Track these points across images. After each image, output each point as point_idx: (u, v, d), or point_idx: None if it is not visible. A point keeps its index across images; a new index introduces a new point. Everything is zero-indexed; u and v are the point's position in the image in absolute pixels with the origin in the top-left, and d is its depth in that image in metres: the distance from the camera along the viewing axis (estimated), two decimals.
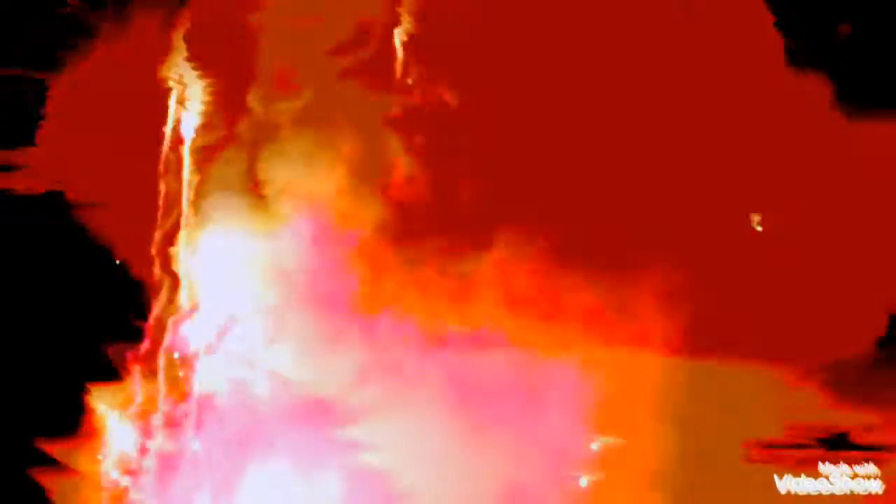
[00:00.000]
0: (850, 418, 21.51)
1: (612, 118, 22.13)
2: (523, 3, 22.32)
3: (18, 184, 22.14)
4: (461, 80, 22.30)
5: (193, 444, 21.66)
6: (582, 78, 22.25)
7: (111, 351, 21.92)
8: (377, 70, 22.19)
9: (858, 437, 21.55)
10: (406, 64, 22.45)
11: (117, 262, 21.95)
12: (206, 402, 21.82)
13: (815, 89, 21.95)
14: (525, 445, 21.46)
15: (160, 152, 22.24)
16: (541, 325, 21.72)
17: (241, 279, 21.93)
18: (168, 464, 21.74)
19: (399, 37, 22.55)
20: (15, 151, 22.17)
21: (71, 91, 22.11)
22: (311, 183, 21.94)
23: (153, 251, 22.00)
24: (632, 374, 21.64)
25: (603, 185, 22.25)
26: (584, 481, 21.68)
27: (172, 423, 21.79)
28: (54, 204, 22.13)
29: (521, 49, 22.29)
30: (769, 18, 22.15)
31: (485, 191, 22.16)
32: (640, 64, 22.09)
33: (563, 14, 22.38)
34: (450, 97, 22.27)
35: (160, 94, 22.06)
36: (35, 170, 22.25)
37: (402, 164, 22.20)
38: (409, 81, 22.45)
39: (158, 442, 21.74)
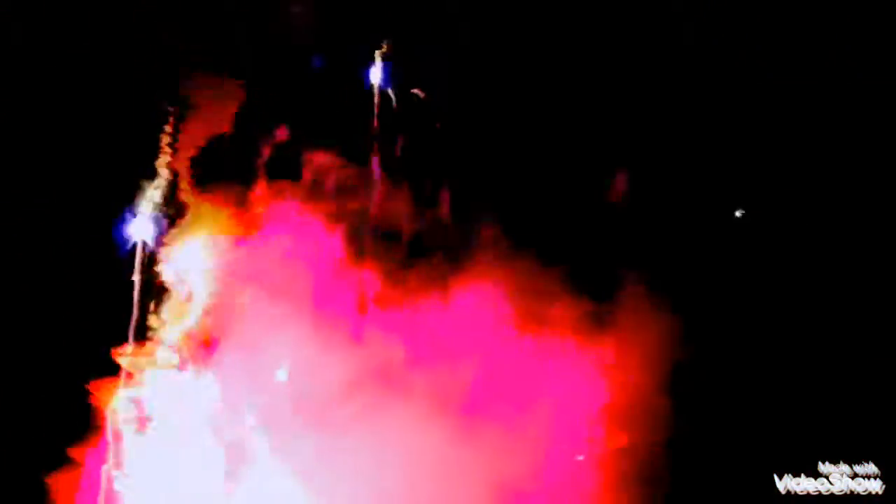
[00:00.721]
0: None
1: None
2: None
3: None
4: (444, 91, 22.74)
5: (184, 444, 21.93)
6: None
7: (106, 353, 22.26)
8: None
9: None
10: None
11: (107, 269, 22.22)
12: (197, 405, 22.11)
13: None
14: (513, 446, 21.58)
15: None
16: (525, 332, 21.99)
17: (228, 285, 22.17)
18: (161, 462, 22.00)
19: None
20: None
21: None
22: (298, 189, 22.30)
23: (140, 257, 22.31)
24: (616, 376, 21.96)
25: (586, 198, 22.68)
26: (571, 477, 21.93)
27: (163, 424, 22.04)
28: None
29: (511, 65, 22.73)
30: None
31: (471, 202, 22.61)
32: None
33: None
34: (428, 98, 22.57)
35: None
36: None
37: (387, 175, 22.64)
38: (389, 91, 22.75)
39: (153, 441, 22.06)
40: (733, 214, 23.27)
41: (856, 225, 22.67)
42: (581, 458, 22.12)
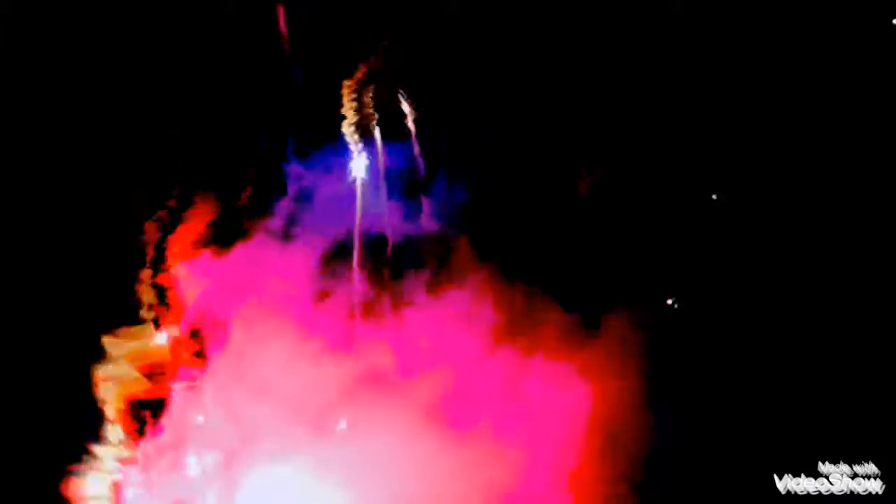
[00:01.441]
0: None
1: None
2: None
3: None
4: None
5: (181, 449, 21.94)
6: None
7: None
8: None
9: None
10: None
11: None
12: (192, 409, 22.12)
13: None
14: (505, 451, 21.65)
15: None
16: (517, 343, 22.09)
17: (224, 291, 22.25)
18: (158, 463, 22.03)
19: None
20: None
21: None
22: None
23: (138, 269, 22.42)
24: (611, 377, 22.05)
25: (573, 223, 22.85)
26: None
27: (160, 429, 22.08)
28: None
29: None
30: None
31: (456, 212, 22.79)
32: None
33: None
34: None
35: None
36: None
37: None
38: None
39: (150, 444, 22.06)
40: (718, 205, 23.24)
41: (854, 223, 22.64)
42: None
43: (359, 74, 22.37)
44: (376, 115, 22.65)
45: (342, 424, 21.87)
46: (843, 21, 22.58)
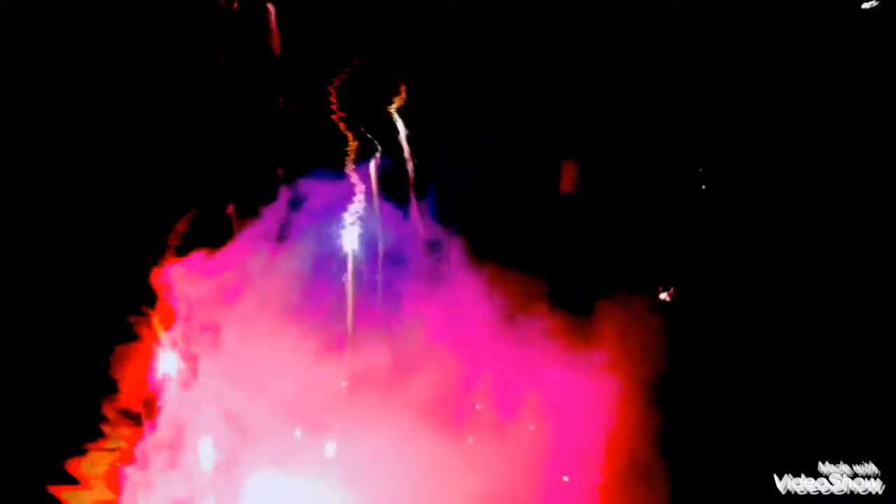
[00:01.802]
0: None
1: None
2: None
3: None
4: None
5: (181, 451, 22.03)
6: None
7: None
8: None
9: None
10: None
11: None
12: (191, 411, 22.17)
13: None
14: (502, 453, 21.68)
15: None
16: (516, 342, 22.11)
17: (220, 290, 22.30)
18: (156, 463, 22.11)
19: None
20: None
21: None
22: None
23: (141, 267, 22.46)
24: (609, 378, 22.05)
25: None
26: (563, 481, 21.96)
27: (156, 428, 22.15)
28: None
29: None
30: None
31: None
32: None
33: None
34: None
35: None
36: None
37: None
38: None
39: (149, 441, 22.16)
40: (708, 196, 23.25)
41: (854, 223, 22.62)
42: (566, 479, 22.12)
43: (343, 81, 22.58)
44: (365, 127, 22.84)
45: (334, 443, 21.90)
46: (841, 21, 22.70)
